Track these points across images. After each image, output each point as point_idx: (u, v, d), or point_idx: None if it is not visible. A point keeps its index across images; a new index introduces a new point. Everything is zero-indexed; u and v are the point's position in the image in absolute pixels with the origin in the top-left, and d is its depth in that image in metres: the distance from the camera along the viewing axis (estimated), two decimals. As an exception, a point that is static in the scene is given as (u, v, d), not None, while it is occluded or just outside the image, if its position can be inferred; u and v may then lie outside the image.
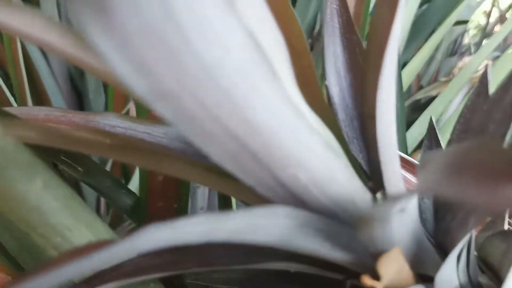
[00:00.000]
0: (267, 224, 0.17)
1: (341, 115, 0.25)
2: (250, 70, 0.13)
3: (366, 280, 0.16)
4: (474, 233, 0.23)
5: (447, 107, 0.62)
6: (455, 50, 1.27)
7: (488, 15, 1.20)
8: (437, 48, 1.25)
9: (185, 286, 0.35)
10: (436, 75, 1.10)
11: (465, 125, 0.21)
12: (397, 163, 0.21)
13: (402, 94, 0.55)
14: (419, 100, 0.94)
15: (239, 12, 0.14)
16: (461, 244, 0.19)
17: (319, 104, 0.23)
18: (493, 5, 1.19)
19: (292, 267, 0.22)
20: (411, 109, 0.94)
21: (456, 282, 0.23)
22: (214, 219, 0.16)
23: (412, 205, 0.17)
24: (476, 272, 0.24)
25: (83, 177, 0.31)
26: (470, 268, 0.23)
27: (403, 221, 0.18)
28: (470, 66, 0.62)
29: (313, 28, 0.58)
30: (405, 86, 0.66)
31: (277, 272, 0.25)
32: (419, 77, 1.15)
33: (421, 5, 0.74)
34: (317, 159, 0.18)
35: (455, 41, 1.31)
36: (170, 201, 0.41)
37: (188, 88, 0.13)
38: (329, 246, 0.20)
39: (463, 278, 0.23)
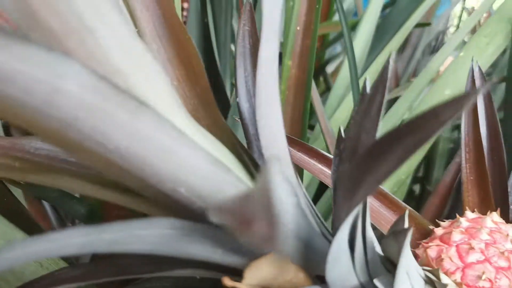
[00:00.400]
0: (148, 234, 0.19)
1: (252, 129, 0.27)
2: (94, 104, 0.15)
3: (226, 281, 0.18)
4: (369, 233, 0.24)
5: (411, 107, 0.63)
6: (437, 47, 1.28)
7: (460, 14, 1.22)
8: (416, 47, 1.26)
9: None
10: (414, 74, 1.11)
11: (348, 134, 0.22)
12: (286, 169, 0.22)
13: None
14: (395, 99, 0.95)
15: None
16: (336, 244, 0.20)
17: (216, 123, 0.24)
18: (463, 7, 1.20)
19: (197, 273, 0.23)
20: (387, 108, 0.95)
21: (355, 282, 0.24)
22: (90, 231, 0.17)
23: (285, 211, 0.19)
24: (378, 271, 0.25)
25: (27, 189, 0.33)
26: (370, 267, 0.25)
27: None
28: (430, 67, 0.63)
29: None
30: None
31: (204, 279, 0.26)
32: (397, 76, 1.16)
33: (384, 8, 0.75)
34: (199, 175, 0.20)
35: (437, 38, 1.32)
36: (125, 209, 0.43)
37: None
38: (221, 252, 0.22)
39: (364, 277, 0.25)
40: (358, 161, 0.18)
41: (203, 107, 0.25)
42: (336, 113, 0.67)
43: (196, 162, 0.20)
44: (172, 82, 0.25)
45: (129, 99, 0.17)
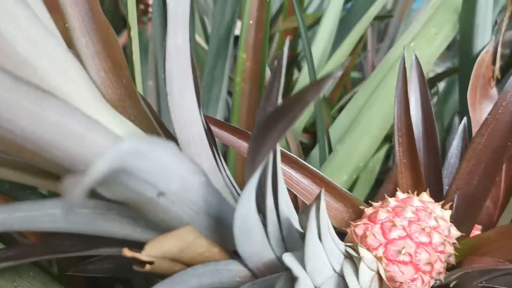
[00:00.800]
0: (62, 213, 0.21)
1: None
2: None
3: (126, 252, 0.20)
4: (284, 209, 0.26)
5: (371, 96, 0.65)
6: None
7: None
8: (393, 38, 1.28)
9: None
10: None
11: (257, 120, 0.24)
12: (200, 151, 0.24)
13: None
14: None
15: None
16: (239, 218, 0.22)
17: (140, 111, 0.26)
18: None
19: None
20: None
21: (271, 256, 0.26)
22: (2, 210, 0.19)
23: (179, 188, 0.21)
24: (297, 247, 0.27)
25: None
26: (287, 242, 0.27)
27: (178, 203, 0.21)
28: (388, 57, 0.65)
29: (231, 28, 0.61)
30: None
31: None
32: (374, 67, 1.18)
33: (347, 1, 0.77)
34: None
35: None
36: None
37: None
38: (140, 230, 0.23)
39: (280, 252, 0.27)
40: (253, 136, 0.20)
41: (129, 96, 0.27)
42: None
43: (108, 147, 0.21)
44: (100, 74, 0.27)
45: (33, 89, 0.18)
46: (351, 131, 0.60)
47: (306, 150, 0.78)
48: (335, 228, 0.38)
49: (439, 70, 1.05)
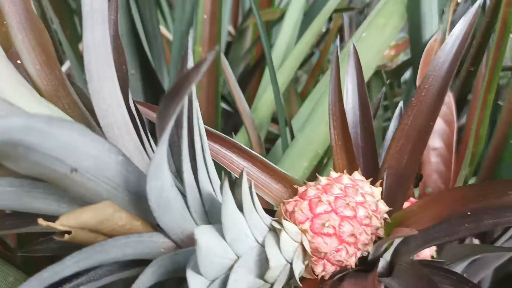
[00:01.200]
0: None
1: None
2: None
3: (40, 221, 0.22)
4: (205, 184, 0.29)
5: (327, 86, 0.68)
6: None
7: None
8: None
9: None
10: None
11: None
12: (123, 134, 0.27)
13: (277, 87, 0.61)
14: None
15: None
16: (154, 191, 0.25)
17: (73, 101, 0.29)
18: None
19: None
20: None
21: (193, 228, 0.29)
22: None
23: (92, 165, 0.23)
24: (219, 219, 0.30)
25: None
26: (210, 216, 0.29)
27: (95, 180, 0.24)
28: (347, 47, 0.68)
29: (192, 22, 0.63)
30: (289, 73, 0.72)
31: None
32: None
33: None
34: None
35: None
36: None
37: None
38: (66, 206, 0.26)
39: (203, 224, 0.29)
40: (158, 112, 0.23)
41: (62, 87, 0.29)
42: (265, 95, 0.71)
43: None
44: (36, 67, 0.29)
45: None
46: (310, 119, 0.63)
47: (274, 140, 0.81)
48: (272, 207, 0.41)
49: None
